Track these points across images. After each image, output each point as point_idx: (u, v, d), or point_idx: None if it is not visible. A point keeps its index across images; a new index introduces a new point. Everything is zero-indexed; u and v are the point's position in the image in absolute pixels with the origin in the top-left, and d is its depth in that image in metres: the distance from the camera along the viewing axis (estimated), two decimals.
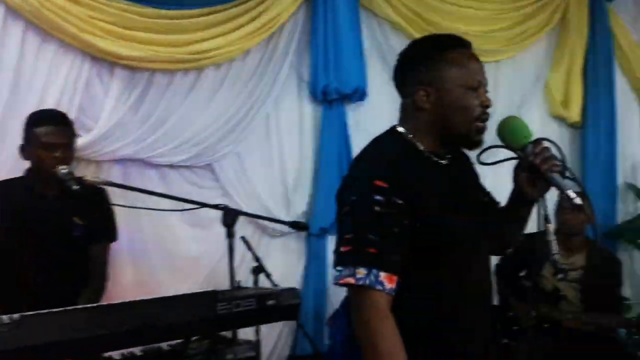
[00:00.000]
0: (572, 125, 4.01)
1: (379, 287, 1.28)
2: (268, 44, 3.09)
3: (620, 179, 4.02)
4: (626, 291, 4.02)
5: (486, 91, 1.42)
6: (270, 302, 1.88)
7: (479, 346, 1.44)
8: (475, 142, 1.42)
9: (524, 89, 3.83)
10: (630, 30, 4.08)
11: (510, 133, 1.40)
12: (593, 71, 3.93)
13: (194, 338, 1.93)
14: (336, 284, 1.33)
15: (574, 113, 3.92)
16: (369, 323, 1.29)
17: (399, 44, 3.33)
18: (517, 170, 1.43)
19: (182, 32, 2.84)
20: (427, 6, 3.46)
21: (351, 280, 1.29)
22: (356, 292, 1.31)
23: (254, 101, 3.03)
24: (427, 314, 1.36)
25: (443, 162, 1.45)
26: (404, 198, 1.32)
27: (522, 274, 3.07)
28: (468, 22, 3.59)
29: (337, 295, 2.89)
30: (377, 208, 1.30)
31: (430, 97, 1.39)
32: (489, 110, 1.41)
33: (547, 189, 1.38)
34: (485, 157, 1.52)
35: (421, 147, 1.42)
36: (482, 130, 1.40)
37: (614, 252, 3.88)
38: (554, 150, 1.39)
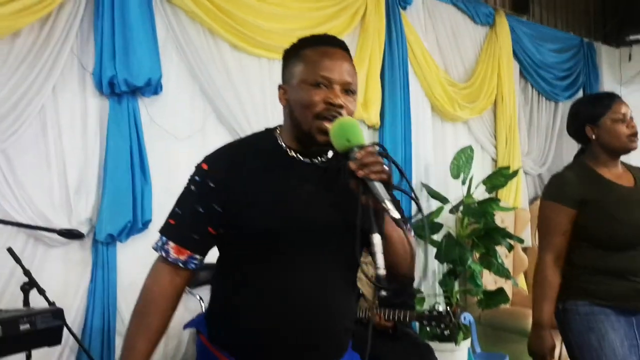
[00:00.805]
0: (371, 127, 4.14)
1: (162, 253, 1.40)
2: (43, 26, 2.69)
3: (414, 179, 4.25)
4: (420, 284, 4.26)
5: (350, 91, 1.39)
6: (24, 328, 1.55)
7: (285, 349, 1.34)
8: (317, 141, 1.34)
9: None
10: (421, 37, 4.33)
11: (334, 136, 1.28)
12: (390, 75, 4.09)
13: None
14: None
15: (373, 115, 4.04)
16: (144, 281, 1.42)
17: (198, 36, 3.14)
18: (342, 176, 1.30)
19: None
20: None
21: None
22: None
23: (25, 91, 2.60)
24: (225, 302, 1.42)
25: (304, 159, 1.41)
26: (216, 182, 1.37)
27: None
28: (269, 18, 3.50)
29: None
30: (192, 187, 1.41)
31: (286, 94, 1.42)
32: (338, 107, 1.33)
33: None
34: None
35: (283, 143, 1.43)
36: (324, 130, 1.31)
37: None
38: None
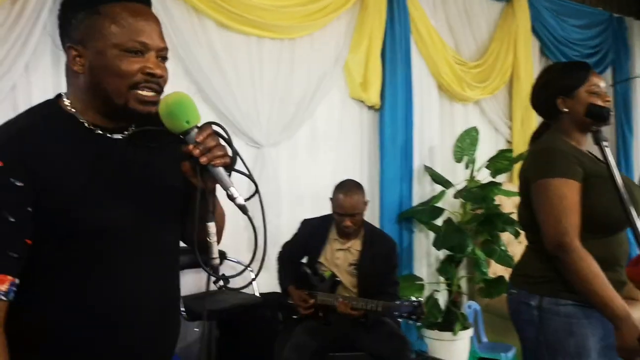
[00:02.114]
0: (371, 108, 3.99)
1: None
2: (15, 3, 2.65)
3: (417, 161, 4.09)
4: (421, 271, 4.12)
5: (164, 58, 1.18)
6: None
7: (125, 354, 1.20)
8: (136, 112, 1.15)
9: (323, 69, 3.72)
10: (428, 15, 4.13)
11: (168, 116, 1.10)
12: (391, 53, 3.92)
13: None
14: None
15: (373, 95, 3.89)
16: None
17: (182, 15, 3.06)
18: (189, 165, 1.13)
19: None
20: None
21: None
22: None
23: None
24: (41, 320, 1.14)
25: (114, 136, 1.20)
26: (23, 179, 1.08)
27: (303, 260, 2.96)
28: None
29: None
30: None
31: (82, 58, 1.16)
32: (158, 78, 1.16)
33: (215, 181, 1.11)
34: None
35: (82, 119, 1.19)
36: (144, 100, 1.14)
37: (405, 233, 3.94)
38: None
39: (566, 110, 1.97)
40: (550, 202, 1.88)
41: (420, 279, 3.93)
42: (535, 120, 4.84)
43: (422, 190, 4.13)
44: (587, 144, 2.04)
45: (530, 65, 4.83)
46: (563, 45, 5.15)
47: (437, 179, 3.97)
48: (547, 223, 1.86)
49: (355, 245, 2.85)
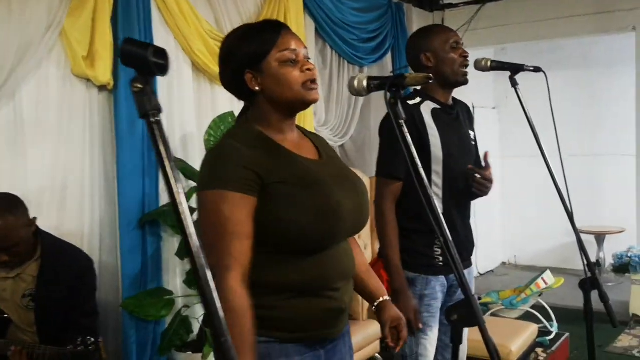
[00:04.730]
0: (103, 88, 3.25)
1: None
2: None
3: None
4: (173, 283, 3.50)
5: None
6: None
7: None
8: None
9: (29, 37, 2.89)
10: None
11: None
12: (126, 20, 3.21)
13: None
14: None
15: (102, 72, 3.14)
16: None
17: None
18: None
19: None
20: None
21: None
22: None
23: None
24: None
25: None
26: None
27: None
28: None
29: None
30: None
31: None
32: None
33: None
34: None
35: None
36: None
37: (149, 240, 3.29)
38: None
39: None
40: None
41: (171, 293, 3.31)
42: (310, 108, 4.47)
43: None
44: None
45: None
46: (339, 27, 4.85)
47: (190, 173, 3.36)
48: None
49: (30, 270, 2.12)
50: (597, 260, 6.46)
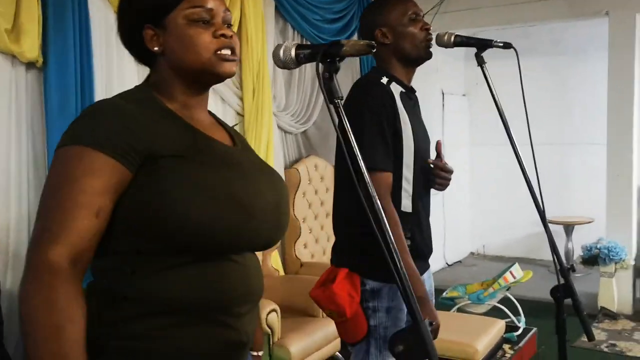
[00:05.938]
0: (31, 65, 2.92)
1: None
2: None
3: None
4: None
5: None
6: None
7: None
8: None
9: None
10: None
11: None
12: None
13: None
14: None
15: (28, 47, 2.81)
16: None
17: None
18: None
19: None
20: None
21: None
22: None
23: None
24: None
25: None
26: None
27: None
28: None
29: None
30: None
31: None
32: None
33: None
34: None
35: None
36: None
37: None
38: None
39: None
40: None
41: None
42: (268, 88, 4.20)
43: None
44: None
45: (261, 25, 4.14)
46: (302, 6, 4.56)
47: None
48: None
49: None
50: (566, 252, 6.34)
